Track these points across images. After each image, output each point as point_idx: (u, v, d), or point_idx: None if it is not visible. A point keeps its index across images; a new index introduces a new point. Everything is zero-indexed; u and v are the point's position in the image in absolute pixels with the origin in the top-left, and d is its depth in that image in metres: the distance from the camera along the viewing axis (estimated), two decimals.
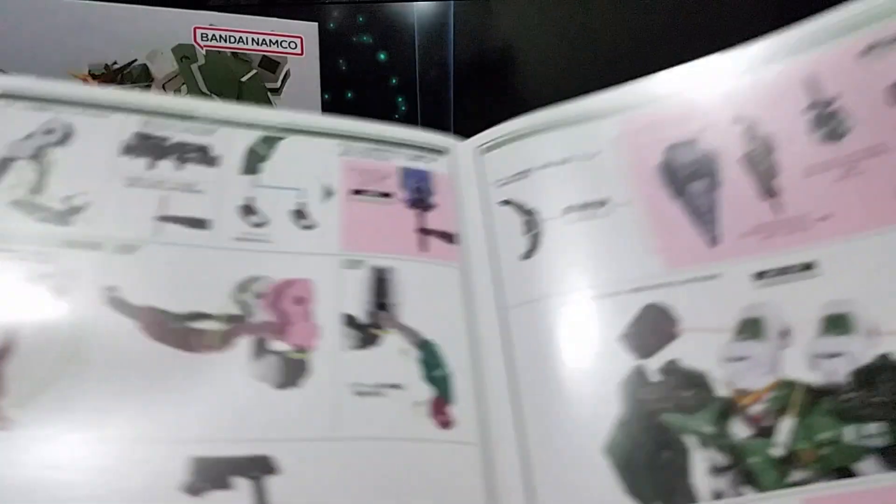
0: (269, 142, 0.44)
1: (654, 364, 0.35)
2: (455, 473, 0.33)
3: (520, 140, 0.45)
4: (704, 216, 0.39)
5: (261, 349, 0.35)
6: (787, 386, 0.33)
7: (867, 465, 0.30)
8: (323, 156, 0.44)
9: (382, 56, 0.61)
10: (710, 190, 0.40)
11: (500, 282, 0.40)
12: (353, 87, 0.62)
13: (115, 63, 0.55)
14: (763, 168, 0.39)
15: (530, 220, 0.42)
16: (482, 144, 0.46)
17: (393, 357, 0.36)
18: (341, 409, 0.34)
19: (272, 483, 0.31)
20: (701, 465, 0.32)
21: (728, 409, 0.33)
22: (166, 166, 0.40)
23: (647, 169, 0.41)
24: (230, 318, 0.36)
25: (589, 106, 0.45)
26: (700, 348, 0.35)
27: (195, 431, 0.32)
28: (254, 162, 0.42)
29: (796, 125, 0.39)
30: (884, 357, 0.32)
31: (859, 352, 0.32)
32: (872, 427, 0.30)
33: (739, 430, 0.32)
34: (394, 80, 0.63)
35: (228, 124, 0.43)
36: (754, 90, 0.41)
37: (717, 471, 0.32)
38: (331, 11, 0.58)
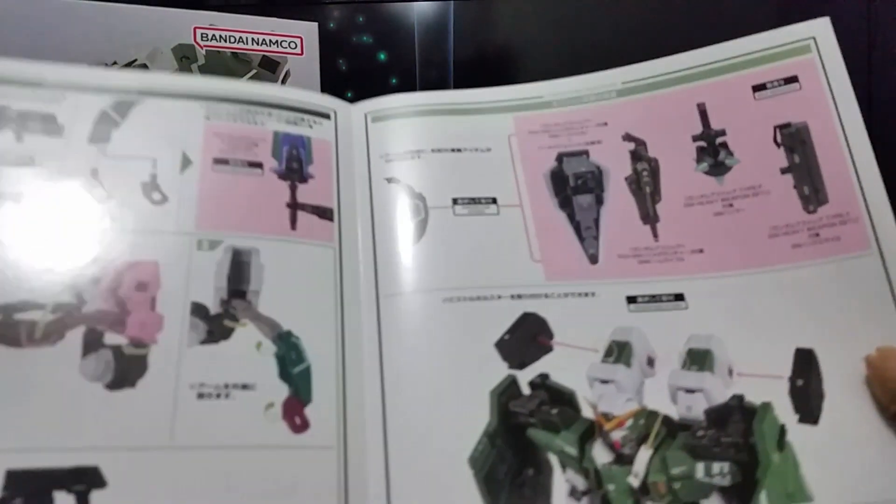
0: (123, 106, 0.38)
1: (527, 376, 0.34)
2: (308, 481, 0.30)
3: (413, 117, 0.42)
4: (587, 231, 0.38)
5: (94, 343, 0.30)
6: (648, 416, 0.33)
7: (712, 502, 0.31)
8: (184, 120, 0.38)
9: (382, 56, 0.61)
10: (595, 205, 0.39)
11: (377, 268, 0.37)
12: (353, 87, 0.62)
13: (115, 63, 0.54)
14: (647, 191, 0.39)
15: (417, 205, 0.39)
16: (372, 111, 0.42)
17: (245, 353, 0.32)
18: (181, 414, 0.30)
19: (98, 498, 0.27)
20: (562, 487, 0.32)
21: (592, 431, 0.33)
22: (3, 139, 0.34)
23: (537, 173, 0.40)
24: (59, 308, 0.31)
25: (485, 97, 0.42)
26: (570, 365, 0.34)
27: (11, 440, 0.27)
28: (104, 129, 0.36)
29: (684, 152, 0.40)
30: (737, 398, 0.33)
31: (715, 390, 0.33)
32: (719, 466, 0.31)
33: (601, 454, 0.32)
34: (394, 80, 0.63)
35: (78, 89, 0.37)
36: (647, 110, 0.41)
37: (577, 494, 0.31)
38: (331, 11, 0.60)
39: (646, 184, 0.39)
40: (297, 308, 0.34)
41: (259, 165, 0.38)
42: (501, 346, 0.35)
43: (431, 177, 0.40)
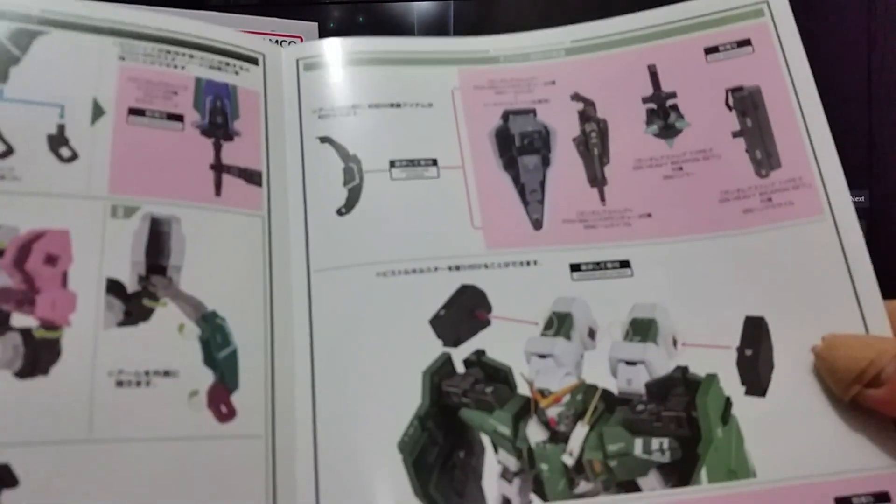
0: (24, 37, 0.33)
1: (462, 353, 0.33)
2: (235, 472, 0.29)
3: (350, 66, 0.39)
4: (532, 195, 0.37)
5: None
6: (587, 390, 0.33)
7: (650, 480, 0.31)
8: (96, 59, 0.34)
9: None
10: (541, 167, 0.38)
11: (308, 240, 0.35)
12: None
13: None
14: (595, 153, 0.38)
15: (350, 169, 0.37)
16: (304, 57, 0.39)
17: (167, 336, 0.30)
18: (99, 404, 0.28)
19: (10, 498, 0.26)
20: (493, 468, 0.31)
21: (527, 409, 0.32)
22: None
23: (481, 132, 0.38)
24: None
25: (429, 46, 0.39)
26: (509, 340, 0.34)
27: None
28: (1, 65, 0.32)
29: (633, 114, 0.38)
30: (680, 370, 0.33)
31: (657, 362, 0.33)
32: (659, 442, 0.32)
33: (535, 433, 0.32)
34: None
35: None
36: (596, 70, 0.39)
37: (509, 475, 0.31)
38: (331, 11, 0.59)
39: (594, 145, 0.38)
40: (223, 285, 0.32)
41: (179, 118, 0.35)
42: (436, 322, 0.33)
43: (368, 136, 0.37)
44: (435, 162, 0.37)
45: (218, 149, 0.35)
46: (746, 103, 0.37)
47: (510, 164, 0.37)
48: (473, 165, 0.37)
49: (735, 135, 0.37)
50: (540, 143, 0.38)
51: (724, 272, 0.35)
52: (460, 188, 0.36)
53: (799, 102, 0.37)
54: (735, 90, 0.37)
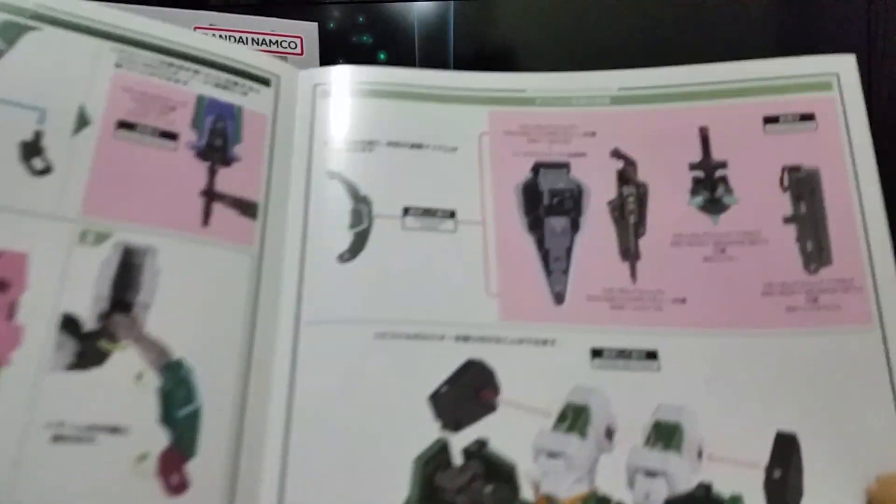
0: (12, 30, 0.30)
1: (462, 441, 0.29)
2: None
3: (371, 98, 0.35)
4: (556, 262, 0.33)
5: None
6: (598, 502, 0.28)
7: None
8: (88, 63, 0.31)
9: (382, 56, 0.61)
10: (569, 231, 0.34)
11: (302, 286, 0.31)
12: None
13: None
14: (631, 221, 0.34)
15: (359, 211, 0.33)
16: (323, 83, 0.35)
17: (121, 385, 0.26)
18: (29, 462, 0.24)
19: None
20: None
21: None
22: None
23: (508, 184, 0.34)
24: None
25: (459, 82, 0.36)
26: (516, 430, 0.29)
27: None
28: None
29: (678, 181, 0.34)
30: (703, 488, 0.29)
31: (679, 475, 0.29)
32: None
33: None
34: None
35: None
36: (642, 125, 0.35)
37: None
38: (331, 11, 0.59)
39: (630, 212, 0.34)
40: (195, 330, 0.28)
41: (173, 137, 0.32)
42: (436, 400, 0.29)
43: (383, 177, 0.33)
44: (453, 214, 0.33)
45: (213, 174, 0.32)
46: (803, 186, 0.33)
47: (535, 225, 0.33)
48: (495, 222, 0.33)
49: (787, 220, 0.33)
50: (571, 203, 0.34)
51: (760, 376, 0.30)
52: (478, 247, 0.32)
53: (860, 193, 0.33)
54: (792, 169, 0.33)
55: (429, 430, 0.29)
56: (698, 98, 0.35)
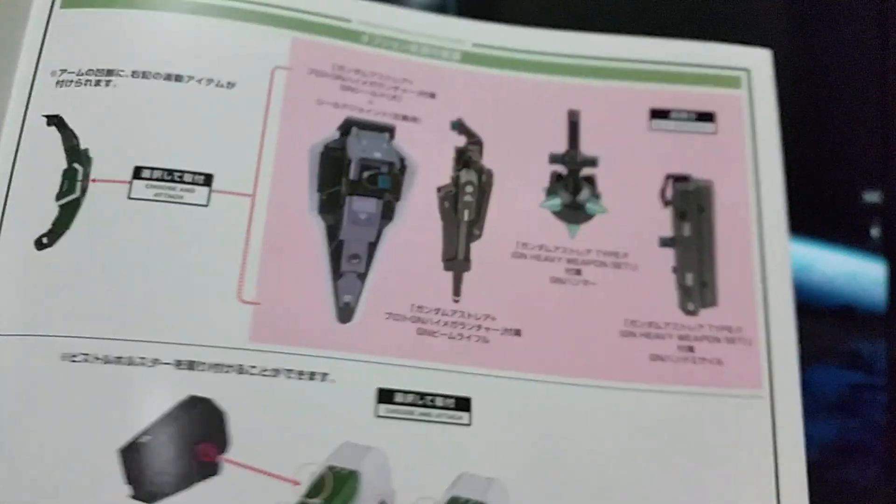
0: None
1: None
2: None
3: (117, 8, 0.25)
4: (350, 262, 0.24)
5: None
6: None
7: None
8: None
9: None
10: (377, 220, 0.25)
11: None
12: None
13: None
14: (465, 217, 0.25)
15: (72, 171, 0.23)
16: None
17: None
18: None
19: None
20: None
21: None
22: None
23: (301, 144, 0.25)
24: None
25: None
26: None
27: None
28: None
29: (532, 173, 0.27)
30: None
31: None
32: None
33: None
34: None
35: None
36: (497, 94, 0.28)
37: None
38: None
39: (466, 206, 0.25)
40: None
41: None
42: (129, 455, 0.20)
43: (115, 122, 0.24)
44: (209, 180, 0.23)
45: None
46: (690, 202, 0.26)
47: (330, 206, 0.24)
48: (271, 196, 0.24)
49: (664, 243, 0.26)
50: (388, 181, 0.25)
51: (608, 445, 0.23)
52: (238, 231, 0.23)
53: (761, 218, 0.26)
54: (679, 179, 0.26)
55: (115, 500, 0.19)
56: (572, 73, 0.28)
